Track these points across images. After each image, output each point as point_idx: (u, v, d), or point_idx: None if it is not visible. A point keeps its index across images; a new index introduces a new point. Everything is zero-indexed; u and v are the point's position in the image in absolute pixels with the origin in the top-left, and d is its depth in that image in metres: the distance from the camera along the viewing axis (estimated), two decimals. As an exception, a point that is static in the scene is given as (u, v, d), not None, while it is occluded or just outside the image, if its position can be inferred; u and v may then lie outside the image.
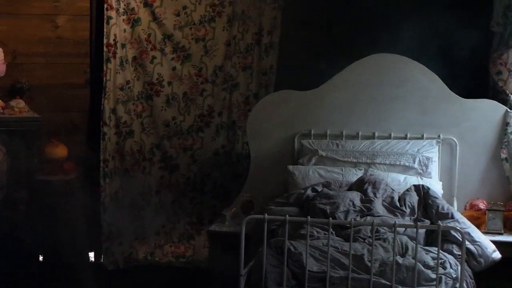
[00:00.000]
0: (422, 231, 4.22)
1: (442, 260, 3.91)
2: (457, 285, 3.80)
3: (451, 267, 3.91)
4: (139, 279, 5.54)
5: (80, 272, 5.45)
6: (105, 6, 5.70)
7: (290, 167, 5.12)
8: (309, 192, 4.68)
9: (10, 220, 5.22)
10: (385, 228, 4.13)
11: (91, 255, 5.84)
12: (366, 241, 4.03)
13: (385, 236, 4.08)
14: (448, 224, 4.22)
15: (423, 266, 3.85)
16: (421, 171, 5.02)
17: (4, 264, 5.14)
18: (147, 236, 6.06)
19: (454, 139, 5.20)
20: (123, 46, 5.83)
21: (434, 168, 5.10)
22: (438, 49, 5.25)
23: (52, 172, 5.41)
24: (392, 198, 4.59)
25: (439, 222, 4.24)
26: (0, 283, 5.05)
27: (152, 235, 6.07)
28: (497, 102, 5.18)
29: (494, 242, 4.44)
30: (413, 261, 3.82)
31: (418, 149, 5.14)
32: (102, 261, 5.82)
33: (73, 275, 5.32)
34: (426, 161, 5.08)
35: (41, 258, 5.43)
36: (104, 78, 5.79)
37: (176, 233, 6.13)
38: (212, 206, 6.08)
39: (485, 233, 4.60)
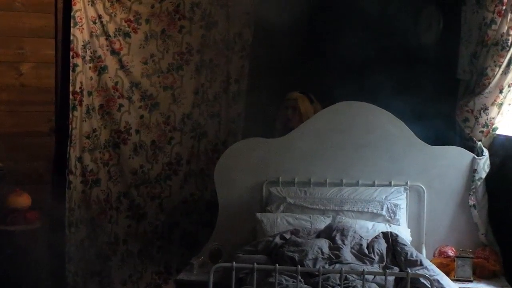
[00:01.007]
0: (391, 278, 4.19)
1: (412, 308, 3.92)
2: (428, 333, 3.81)
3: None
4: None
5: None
6: (71, 53, 5.69)
7: (258, 215, 5.09)
8: (277, 239, 4.65)
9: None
10: (354, 275, 4.09)
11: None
12: (334, 289, 4.04)
13: (354, 284, 4.04)
14: (417, 272, 4.19)
15: (392, 316, 3.86)
16: (389, 218, 5.01)
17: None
18: (114, 285, 5.99)
19: (422, 186, 5.22)
20: (89, 93, 5.82)
21: (402, 215, 5.10)
22: (406, 97, 5.30)
23: (15, 222, 5.33)
24: (361, 245, 4.58)
25: (408, 269, 4.23)
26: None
27: (118, 286, 6.01)
28: (464, 149, 5.19)
29: (464, 289, 4.47)
30: (383, 309, 3.84)
31: (386, 196, 5.14)
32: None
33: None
34: (394, 208, 5.08)
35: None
36: (70, 126, 5.75)
37: (143, 283, 6.09)
38: (180, 254, 6.04)
39: (455, 280, 4.58)
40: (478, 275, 4.84)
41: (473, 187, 5.16)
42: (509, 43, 4.83)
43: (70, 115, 5.76)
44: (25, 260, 5.20)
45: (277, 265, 4.00)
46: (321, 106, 5.69)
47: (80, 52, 5.73)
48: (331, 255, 4.44)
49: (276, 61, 6.00)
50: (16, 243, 5.25)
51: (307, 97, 5.68)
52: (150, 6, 5.96)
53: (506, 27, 4.84)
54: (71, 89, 5.75)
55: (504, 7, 4.89)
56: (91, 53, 5.80)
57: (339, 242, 4.55)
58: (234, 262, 4.02)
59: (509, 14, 4.83)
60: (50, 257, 5.58)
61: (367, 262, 4.45)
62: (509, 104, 5.03)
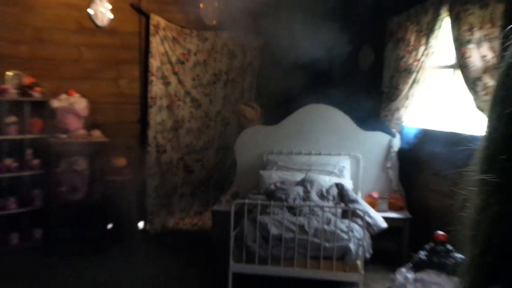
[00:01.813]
0: (339, 210, 4.32)
1: (351, 228, 4.01)
2: (360, 242, 3.91)
3: (356, 232, 4.02)
4: (169, 240, 5.52)
5: (133, 235, 5.48)
6: (149, 74, 5.75)
7: (261, 172, 5.17)
8: (272, 187, 4.75)
9: (90, 204, 5.24)
10: (317, 208, 4.22)
11: (140, 224, 5.82)
12: (306, 216, 4.12)
13: (318, 213, 4.16)
14: (355, 206, 4.32)
15: (340, 231, 3.94)
16: (339, 174, 5.07)
17: (88, 230, 5.17)
18: (175, 213, 6.05)
19: (359, 155, 5.28)
20: (160, 98, 5.87)
21: (347, 173, 5.16)
22: (349, 102, 5.32)
23: (117, 174, 5.40)
24: (322, 190, 4.67)
25: (350, 205, 4.35)
26: (82, 243, 5.04)
27: (178, 212, 6.06)
28: (384, 134, 5.24)
29: (383, 217, 4.52)
30: (334, 228, 3.93)
31: (337, 161, 5.19)
32: (147, 228, 5.81)
33: (129, 237, 5.33)
34: (342, 169, 5.14)
35: (109, 226, 5.42)
36: (148, 117, 5.82)
37: (192, 211, 6.14)
38: (214, 195, 6.09)
39: (377, 211, 4.66)
40: (391, 209, 4.92)
41: (389, 157, 5.24)
42: (412, 70, 4.86)
43: (148, 111, 5.82)
44: (123, 197, 5.25)
45: (272, 201, 4.11)
46: (260, 109, 5.81)
47: (154, 73, 5.78)
48: (304, 196, 4.53)
49: (273, 80, 6.02)
50: (117, 187, 5.29)
51: (249, 106, 5.76)
52: (197, 45, 6.00)
53: (412, 60, 4.87)
54: (149, 95, 5.80)
55: (410, 48, 4.93)
56: (161, 74, 5.84)
57: (309, 188, 4.64)
58: (246, 200, 4.13)
59: (413, 53, 4.87)
60: (137, 195, 5.63)
61: (325, 200, 4.55)
62: (408, 107, 5.10)
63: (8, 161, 4.90)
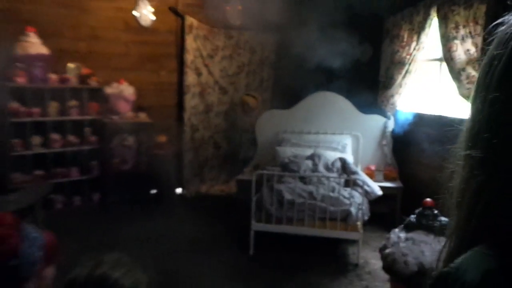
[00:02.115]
0: (342, 180, 4.32)
1: (352, 195, 4.01)
2: (360, 207, 3.91)
3: (357, 198, 4.02)
4: (203, 202, 5.57)
5: (172, 198, 5.55)
6: (184, 66, 5.73)
7: (277, 148, 5.18)
8: (286, 160, 4.75)
9: (137, 173, 5.27)
10: (324, 178, 4.22)
11: (178, 190, 5.86)
12: (314, 184, 4.13)
13: (324, 182, 4.17)
14: (356, 177, 4.31)
15: (342, 197, 3.94)
16: (342, 150, 5.06)
17: (136, 194, 5.23)
18: (206, 181, 6.07)
19: (359, 134, 5.26)
20: (193, 86, 5.85)
21: (349, 149, 5.15)
22: (352, 90, 5.27)
23: (159, 149, 5.42)
24: (328, 163, 4.67)
25: (351, 175, 4.34)
26: (131, 205, 5.09)
27: (208, 181, 6.09)
28: (381, 116, 5.21)
29: (379, 186, 4.52)
30: (338, 194, 3.93)
31: (340, 139, 5.19)
32: (183, 193, 5.85)
33: (169, 200, 5.40)
34: (344, 145, 5.14)
35: (153, 191, 5.48)
36: (184, 102, 5.81)
37: (220, 180, 6.17)
38: (239, 167, 6.09)
39: (374, 181, 4.67)
40: (386, 179, 4.92)
41: (384, 136, 5.20)
42: (405, 63, 4.79)
43: (184, 97, 5.81)
44: (164, 168, 5.28)
45: (286, 172, 4.11)
46: (260, 97, 5.83)
47: (188, 65, 5.75)
48: (313, 168, 4.54)
49: (287, 71, 5.98)
50: (159, 159, 5.32)
51: (251, 96, 5.71)
52: (223, 42, 5.95)
53: (405, 54, 4.80)
54: (184, 84, 5.78)
55: (403, 44, 4.84)
56: (194, 66, 5.81)
57: (317, 161, 4.64)
58: (265, 171, 4.14)
59: (406, 48, 4.79)
60: (175, 166, 5.65)
61: (330, 172, 4.55)
62: (401, 94, 5.03)
63: (71, 138, 4.97)
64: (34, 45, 4.65)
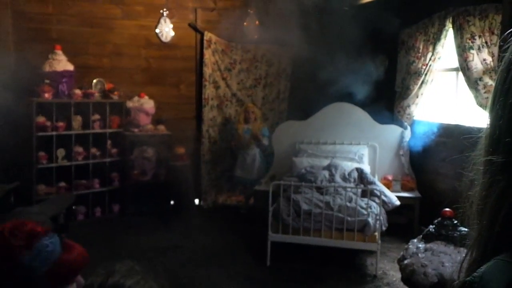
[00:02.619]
0: (359, 190, 4.23)
1: (369, 205, 3.93)
2: (377, 217, 3.82)
3: (374, 208, 3.94)
4: (220, 213, 5.55)
5: (190, 209, 5.50)
6: (203, 79, 5.76)
7: (293, 158, 5.13)
8: (303, 171, 4.70)
9: (156, 184, 5.29)
10: (340, 188, 4.15)
11: (196, 201, 5.82)
12: (331, 195, 4.06)
13: (341, 193, 4.10)
14: (373, 187, 4.23)
15: (360, 207, 3.87)
16: (359, 161, 4.98)
17: (154, 205, 5.24)
18: (223, 192, 6.00)
19: (376, 144, 5.18)
20: (211, 99, 5.86)
21: (365, 159, 5.06)
22: (369, 101, 5.19)
23: (177, 160, 5.42)
24: (345, 173, 4.60)
25: (368, 186, 4.26)
26: (150, 215, 5.10)
27: (226, 191, 6.01)
28: (398, 126, 5.12)
29: (396, 196, 4.44)
30: (355, 205, 3.85)
31: (357, 150, 5.10)
32: (201, 204, 5.82)
33: (187, 211, 5.37)
34: (361, 156, 5.05)
35: (172, 202, 5.47)
36: (202, 115, 5.81)
37: (237, 190, 6.03)
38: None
39: (392, 191, 4.58)
40: (403, 189, 4.82)
41: (401, 145, 5.10)
42: (421, 73, 4.72)
43: (202, 109, 5.81)
44: (182, 179, 5.29)
45: (303, 183, 4.06)
46: (260, 109, 5.77)
47: (207, 78, 5.78)
48: (330, 179, 4.48)
49: (303, 82, 5.94)
50: (178, 170, 5.32)
51: (255, 105, 5.66)
52: (241, 56, 5.95)
53: (421, 64, 4.73)
54: (202, 96, 5.79)
55: (419, 55, 4.77)
56: (212, 79, 5.83)
57: (334, 172, 4.58)
58: (282, 181, 4.09)
59: (422, 58, 4.72)
60: (193, 177, 5.64)
61: (347, 182, 4.47)
62: (417, 104, 4.95)
63: (93, 150, 5.03)
64: (61, 62, 4.77)
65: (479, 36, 3.89)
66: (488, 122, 0.63)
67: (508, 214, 0.56)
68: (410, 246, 2.78)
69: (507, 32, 0.62)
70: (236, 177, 5.57)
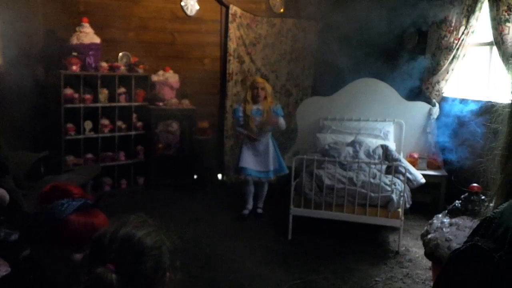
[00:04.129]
0: (384, 167, 4.17)
1: (394, 182, 3.86)
2: (402, 194, 3.76)
3: (398, 185, 3.87)
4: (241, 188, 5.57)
5: (213, 183, 5.55)
6: (227, 54, 5.73)
7: (317, 134, 5.08)
8: (326, 146, 4.66)
9: (180, 158, 5.35)
10: (364, 164, 4.09)
11: (219, 175, 5.85)
12: (355, 171, 4.01)
13: (365, 169, 4.04)
14: (398, 163, 4.15)
15: (384, 184, 3.81)
16: (384, 138, 4.90)
17: (179, 178, 5.30)
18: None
19: (402, 121, 5.07)
20: (236, 74, 5.84)
21: (391, 136, 4.98)
22: (397, 76, 5.06)
23: (201, 135, 5.44)
24: (369, 150, 4.52)
25: (393, 162, 4.18)
26: (174, 188, 5.15)
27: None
28: (426, 103, 5.00)
29: (422, 174, 4.36)
30: (379, 181, 3.79)
31: (383, 127, 5.02)
32: (224, 179, 5.84)
33: (211, 185, 5.42)
34: (387, 133, 4.97)
35: (195, 176, 5.51)
36: (226, 90, 5.81)
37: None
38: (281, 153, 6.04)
39: (417, 169, 4.51)
40: (429, 167, 4.74)
41: (429, 123, 4.98)
42: (453, 47, 4.55)
43: (226, 84, 5.80)
44: (205, 153, 5.33)
45: (326, 158, 4.01)
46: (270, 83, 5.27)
47: (231, 53, 5.75)
48: (354, 155, 4.42)
49: (329, 58, 5.83)
50: (201, 145, 5.35)
51: (266, 79, 5.10)
52: (266, 30, 5.88)
53: (452, 39, 4.56)
54: (227, 71, 5.78)
55: (451, 28, 4.59)
56: (237, 54, 5.79)
57: (358, 148, 4.52)
58: (305, 156, 4.06)
59: (454, 32, 4.54)
60: (217, 152, 5.67)
61: (371, 159, 4.40)
62: (447, 80, 4.79)
63: (119, 123, 5.10)
64: (88, 35, 4.79)
65: (517, 8, 3.70)
66: None
67: None
68: (435, 221, 2.72)
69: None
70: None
